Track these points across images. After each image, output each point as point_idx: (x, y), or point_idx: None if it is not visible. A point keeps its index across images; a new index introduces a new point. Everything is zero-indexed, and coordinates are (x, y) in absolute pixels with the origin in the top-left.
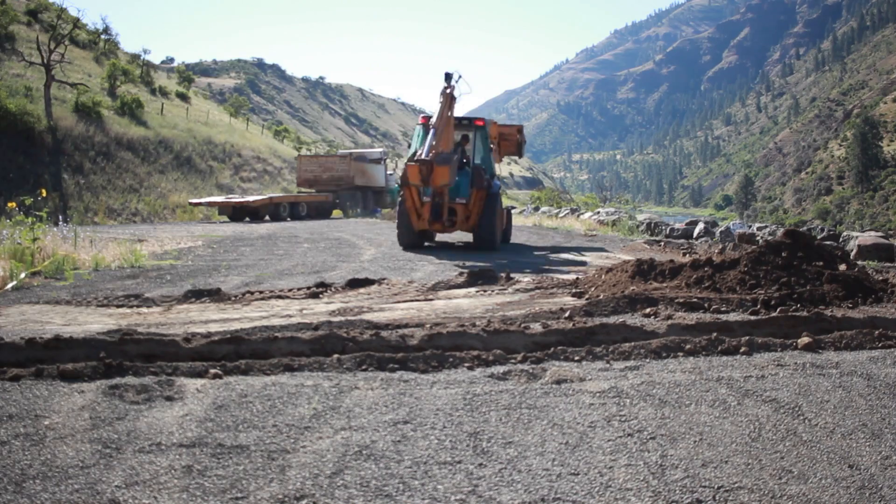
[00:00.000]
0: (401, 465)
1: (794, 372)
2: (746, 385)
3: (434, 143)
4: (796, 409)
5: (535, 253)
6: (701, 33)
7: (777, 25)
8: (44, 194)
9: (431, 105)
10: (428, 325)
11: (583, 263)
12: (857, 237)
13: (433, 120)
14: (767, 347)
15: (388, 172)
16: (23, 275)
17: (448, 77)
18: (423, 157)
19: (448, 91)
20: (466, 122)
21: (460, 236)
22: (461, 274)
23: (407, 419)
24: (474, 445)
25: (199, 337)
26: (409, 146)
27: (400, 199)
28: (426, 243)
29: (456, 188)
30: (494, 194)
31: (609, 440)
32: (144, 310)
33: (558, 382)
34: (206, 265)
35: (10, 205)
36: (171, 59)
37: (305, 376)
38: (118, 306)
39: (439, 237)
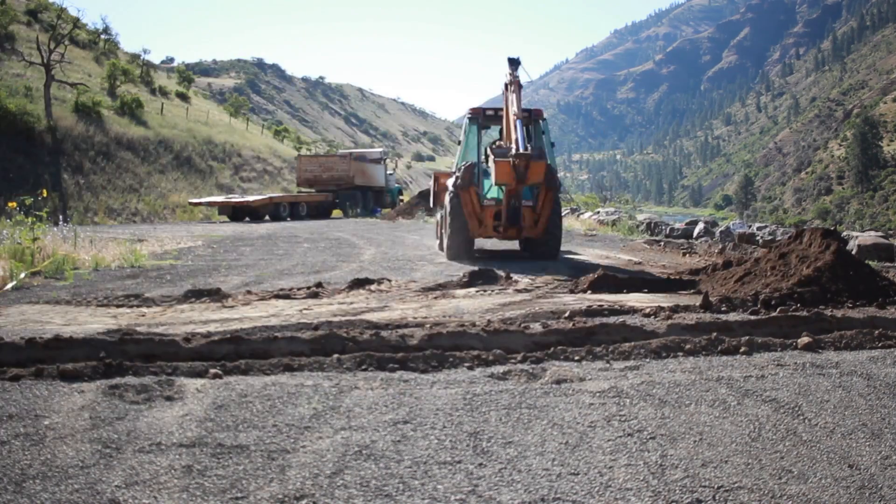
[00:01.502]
0: (401, 464)
1: (793, 372)
2: (746, 385)
3: (519, 136)
4: (796, 408)
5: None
6: (701, 33)
7: (777, 25)
8: (44, 194)
9: (432, 104)
10: (428, 325)
11: (585, 262)
12: (857, 237)
13: (513, 109)
14: (767, 347)
15: (388, 172)
16: (23, 275)
17: (514, 63)
18: (519, 150)
19: (516, 78)
20: (527, 114)
21: (495, 243)
22: (462, 274)
23: (407, 419)
24: (474, 445)
25: (199, 337)
26: (460, 143)
27: (452, 203)
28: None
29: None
30: (558, 196)
31: (609, 440)
32: (144, 310)
33: (558, 382)
34: (206, 265)
35: (10, 204)
36: (171, 59)
37: (305, 376)
38: (118, 306)
39: (478, 244)
